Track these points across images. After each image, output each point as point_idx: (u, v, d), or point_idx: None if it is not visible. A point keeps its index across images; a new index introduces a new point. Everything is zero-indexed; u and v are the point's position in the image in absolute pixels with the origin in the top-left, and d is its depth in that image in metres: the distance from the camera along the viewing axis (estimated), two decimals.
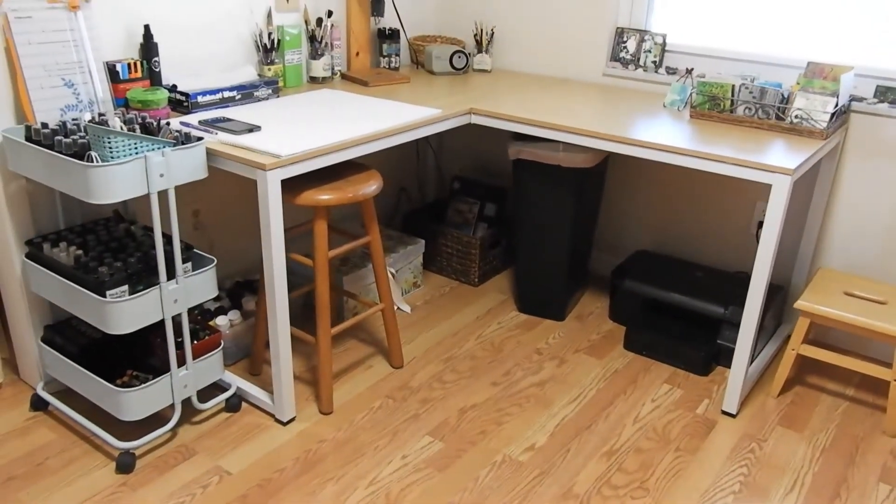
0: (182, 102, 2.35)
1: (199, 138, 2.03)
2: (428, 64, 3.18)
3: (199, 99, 2.35)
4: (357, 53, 3.05)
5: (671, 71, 2.94)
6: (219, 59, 2.60)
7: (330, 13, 2.87)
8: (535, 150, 2.66)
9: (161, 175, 1.89)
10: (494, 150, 3.49)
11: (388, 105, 2.55)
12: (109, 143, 1.80)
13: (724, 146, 2.23)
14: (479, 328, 2.89)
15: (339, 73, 2.98)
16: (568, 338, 2.85)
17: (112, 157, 1.81)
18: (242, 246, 2.87)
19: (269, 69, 2.69)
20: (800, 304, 2.40)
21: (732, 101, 2.48)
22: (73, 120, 2.05)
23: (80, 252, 2.05)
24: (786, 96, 2.41)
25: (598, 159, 2.70)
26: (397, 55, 3.19)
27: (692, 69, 2.70)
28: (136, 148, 1.85)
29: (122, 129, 1.97)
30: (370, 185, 2.26)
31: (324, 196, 2.14)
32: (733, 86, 2.47)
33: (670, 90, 2.71)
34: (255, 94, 2.51)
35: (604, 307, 3.08)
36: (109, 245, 2.12)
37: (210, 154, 2.05)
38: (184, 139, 2.00)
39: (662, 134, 2.35)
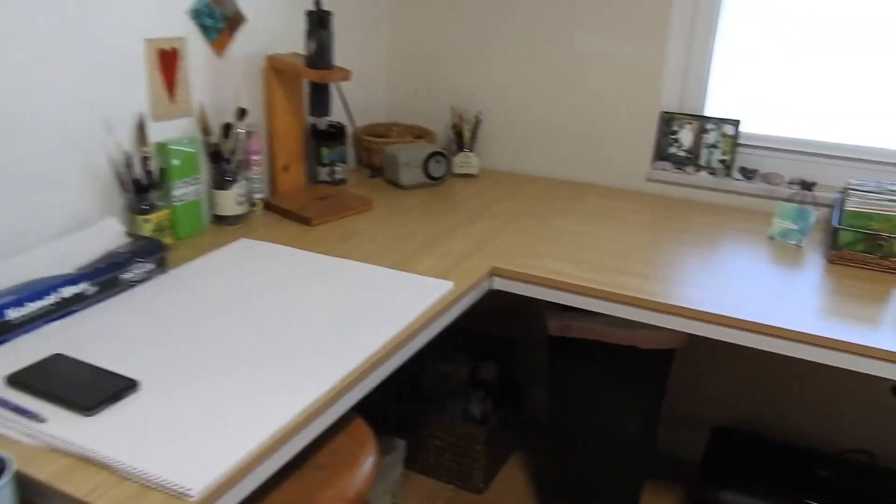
0: None
1: None
2: (391, 172, 2.15)
3: (11, 314, 1.23)
4: (286, 168, 1.98)
5: (749, 175, 2.04)
6: (48, 218, 1.47)
7: (243, 113, 1.80)
8: (595, 327, 1.68)
9: None
10: None
11: (357, 276, 1.50)
12: None
13: None
14: None
15: (260, 204, 1.90)
16: None
17: None
18: None
19: (147, 220, 1.58)
20: None
21: None
22: None
23: None
24: None
25: (687, 336, 1.75)
26: (343, 161, 2.14)
27: (813, 184, 1.80)
28: None
29: None
30: (359, 470, 1.20)
31: None
32: None
33: (779, 215, 1.81)
34: (122, 276, 1.40)
35: None
36: None
37: (28, 491, 0.94)
38: None
39: (798, 304, 1.42)
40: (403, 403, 2.25)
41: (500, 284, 1.62)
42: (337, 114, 2.14)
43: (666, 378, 1.79)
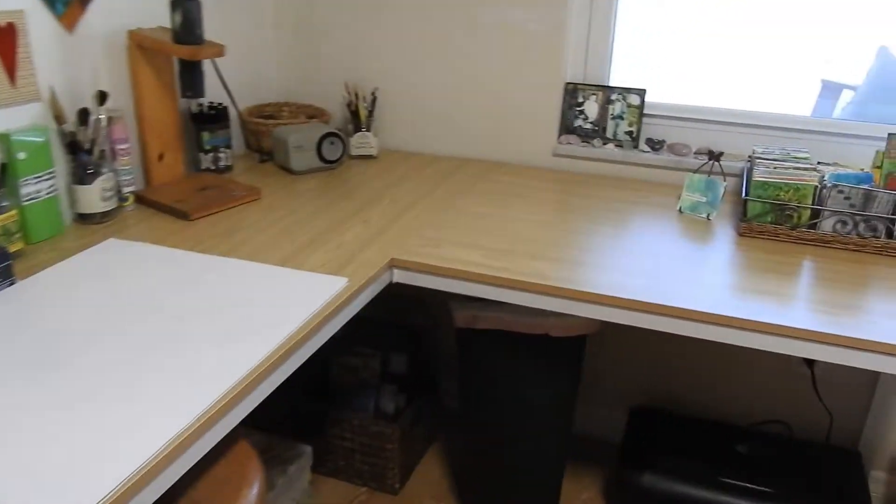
0: None
1: None
2: (281, 157, 1.97)
3: None
4: (160, 156, 1.78)
5: (656, 146, 1.98)
6: None
7: (103, 97, 1.59)
8: (504, 317, 1.58)
9: None
10: None
11: (240, 277, 1.34)
12: None
13: (830, 298, 1.28)
14: None
15: (132, 198, 1.70)
16: None
17: None
18: None
19: None
20: None
21: (816, 210, 1.55)
22: None
23: None
24: None
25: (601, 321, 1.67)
26: (227, 147, 1.96)
27: (721, 154, 1.74)
28: None
29: None
30: (242, 503, 1.05)
31: None
32: (816, 187, 1.54)
33: (687, 187, 1.74)
34: None
35: (598, 497, 2.07)
36: None
37: None
38: None
39: (709, 282, 1.36)
40: (309, 403, 2.10)
41: (400, 277, 1.49)
42: (218, 94, 1.95)
43: (580, 363, 1.72)
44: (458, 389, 1.90)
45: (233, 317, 1.21)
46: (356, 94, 2.12)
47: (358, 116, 2.11)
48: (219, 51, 1.61)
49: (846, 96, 2.45)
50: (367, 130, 2.11)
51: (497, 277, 1.40)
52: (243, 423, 1.08)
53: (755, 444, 1.94)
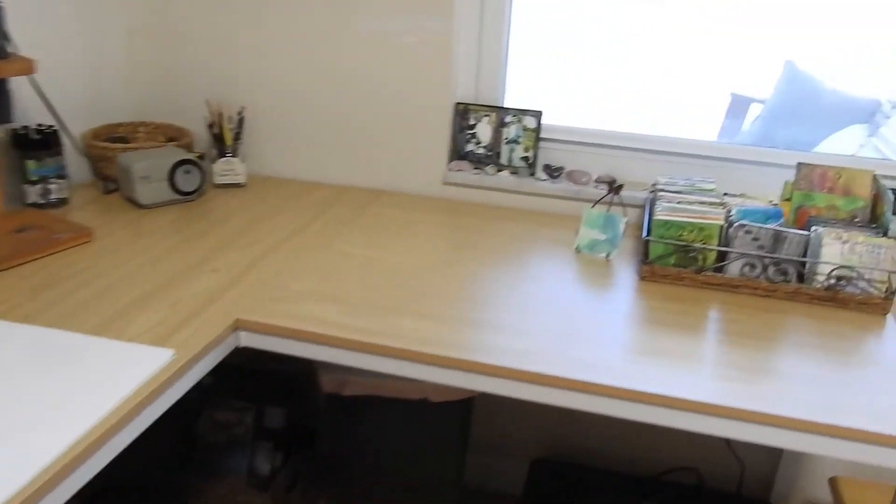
0: None
1: None
2: (128, 188, 1.70)
3: None
4: None
5: (554, 174, 1.80)
6: None
7: None
8: (377, 382, 1.36)
9: None
10: None
11: (35, 352, 1.08)
12: None
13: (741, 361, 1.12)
14: None
15: None
16: None
17: None
18: None
19: None
20: None
21: (722, 251, 1.39)
22: None
23: None
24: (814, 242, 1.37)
25: None
26: (61, 177, 1.67)
27: (621, 185, 1.57)
28: None
29: None
30: None
31: None
32: (722, 227, 1.39)
33: (585, 222, 1.57)
34: None
35: None
36: None
37: None
38: None
39: (606, 340, 1.18)
40: (171, 471, 1.83)
41: (248, 340, 1.25)
42: (42, 114, 1.65)
43: (467, 424, 1.52)
44: (332, 457, 1.68)
45: (11, 410, 0.95)
46: (220, 114, 1.86)
47: (222, 139, 1.85)
48: (27, 67, 1.34)
49: (755, 110, 2.36)
50: (234, 155, 1.85)
51: (355, 341, 1.18)
52: None
53: (663, 495, 1.79)
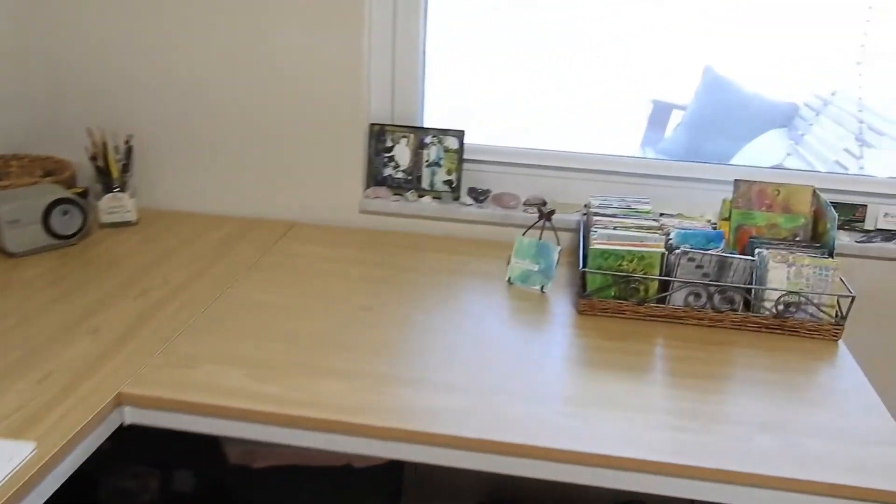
0: None
1: None
2: None
3: None
4: None
5: (480, 197, 1.67)
6: None
7: None
8: (290, 450, 1.19)
9: None
10: None
11: None
12: None
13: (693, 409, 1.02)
14: None
15: None
16: None
17: None
18: None
19: None
20: None
21: (665, 282, 1.29)
22: None
23: None
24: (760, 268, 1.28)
25: None
26: None
27: (552, 211, 1.44)
28: None
29: None
30: None
31: None
32: (664, 254, 1.28)
33: (516, 253, 1.44)
34: None
35: None
36: None
37: None
38: None
39: (540, 390, 1.05)
40: None
41: (134, 416, 1.07)
42: None
43: (399, 486, 1.36)
44: None
45: None
46: (104, 143, 1.65)
47: (108, 172, 1.64)
48: None
49: (676, 116, 2.31)
50: (122, 190, 1.65)
51: (263, 413, 1.01)
52: None
53: None
